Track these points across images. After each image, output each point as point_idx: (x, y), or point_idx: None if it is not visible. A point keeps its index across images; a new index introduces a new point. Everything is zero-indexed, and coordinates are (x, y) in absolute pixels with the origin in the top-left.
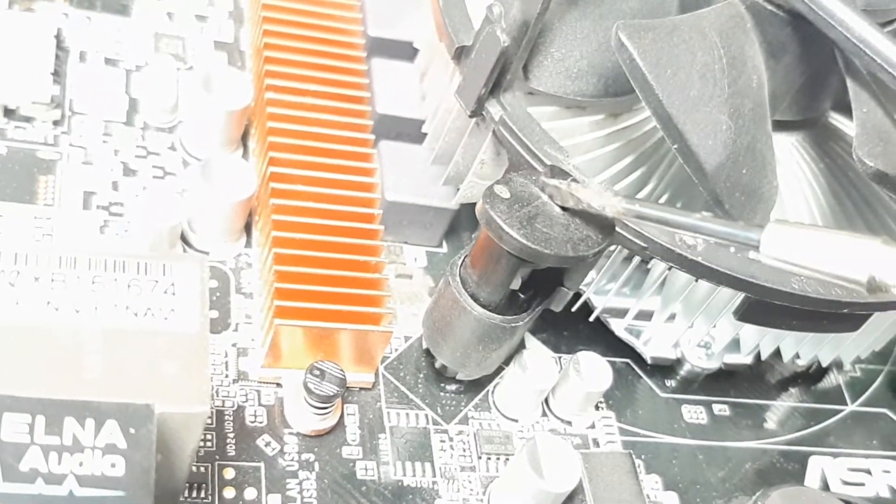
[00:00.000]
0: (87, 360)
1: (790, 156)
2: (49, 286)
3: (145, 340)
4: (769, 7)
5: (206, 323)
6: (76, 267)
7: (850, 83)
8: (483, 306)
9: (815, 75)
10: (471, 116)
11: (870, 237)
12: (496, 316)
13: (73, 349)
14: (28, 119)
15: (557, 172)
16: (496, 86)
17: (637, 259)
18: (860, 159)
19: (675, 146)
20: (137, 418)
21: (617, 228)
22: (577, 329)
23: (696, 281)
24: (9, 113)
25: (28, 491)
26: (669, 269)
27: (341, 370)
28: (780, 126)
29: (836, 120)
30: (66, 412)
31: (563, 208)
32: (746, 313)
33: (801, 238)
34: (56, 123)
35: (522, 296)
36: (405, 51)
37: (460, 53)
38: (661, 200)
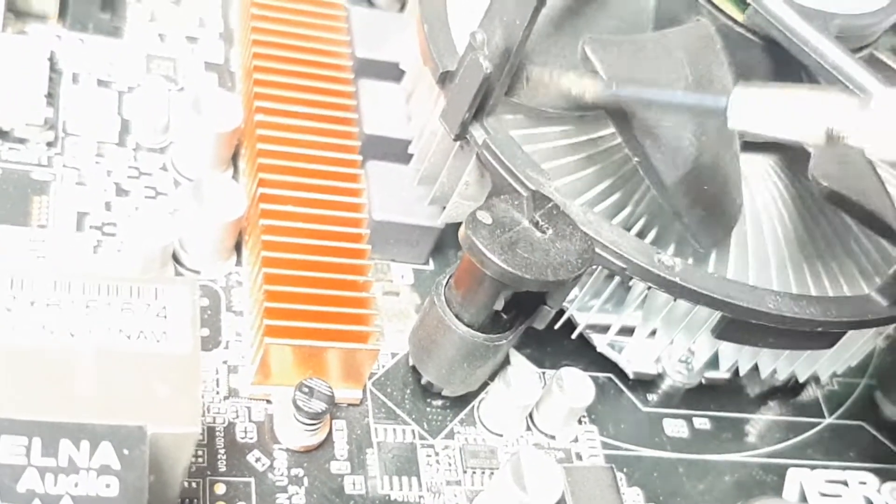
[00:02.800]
0: (80, 383)
1: (764, 177)
2: (44, 310)
3: (138, 362)
4: (739, 30)
5: (197, 345)
6: (70, 291)
7: None
8: (467, 325)
9: None
10: (455, 140)
11: (828, 88)
12: (480, 335)
13: (68, 372)
14: (22, 140)
15: (539, 197)
16: (479, 110)
17: (617, 279)
18: (815, 179)
19: (637, 160)
20: (131, 440)
21: (597, 250)
22: (561, 345)
23: (675, 300)
24: (2, 134)
25: None
26: (649, 288)
27: (329, 387)
28: (752, 147)
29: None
30: (61, 434)
31: (543, 233)
32: (724, 332)
33: (765, 98)
34: (50, 145)
35: (505, 315)
36: (392, 72)
37: (445, 78)
38: (639, 224)
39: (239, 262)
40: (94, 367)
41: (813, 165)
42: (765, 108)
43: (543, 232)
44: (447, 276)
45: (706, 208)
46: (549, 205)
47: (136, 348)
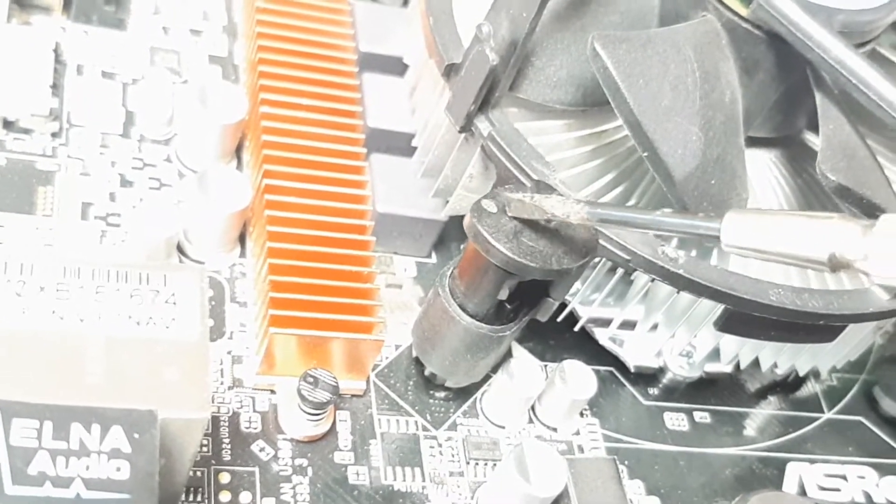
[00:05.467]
0: (90, 367)
1: (765, 172)
2: (54, 296)
3: (147, 348)
4: (745, 25)
5: (205, 331)
6: (80, 277)
7: (819, 99)
8: (471, 316)
9: (789, 93)
10: (460, 132)
11: (827, 215)
12: (484, 326)
13: (78, 356)
14: (27, 131)
15: (543, 187)
16: (484, 102)
17: (621, 270)
18: (823, 174)
19: (646, 154)
20: (141, 424)
21: (601, 241)
22: (563, 338)
23: (678, 292)
24: (8, 125)
25: (37, 494)
26: (652, 280)
27: (334, 378)
28: (755, 142)
29: (811, 138)
30: (72, 418)
31: (548, 221)
32: (726, 324)
33: (761, 223)
34: (54, 135)
35: (509, 306)
36: (395, 65)
37: (450, 70)
38: None
39: (243, 254)
40: (103, 353)
41: (821, 159)
42: (762, 232)
43: (548, 221)
44: (451, 267)
45: (713, 202)
46: (554, 194)
47: (145, 334)
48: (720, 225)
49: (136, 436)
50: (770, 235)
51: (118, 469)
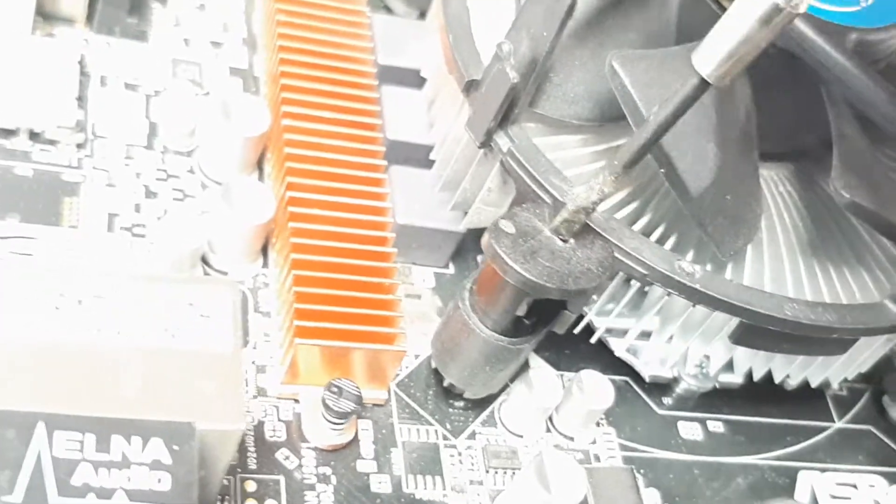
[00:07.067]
0: (127, 380)
1: (778, 187)
2: (92, 309)
3: (182, 361)
4: None
5: (239, 344)
6: (116, 290)
7: (832, 116)
8: (490, 329)
9: (802, 110)
10: (480, 147)
11: None
12: (503, 338)
13: (115, 369)
14: (52, 142)
15: (561, 206)
16: (504, 119)
17: (636, 286)
18: (837, 190)
19: (663, 170)
20: (181, 435)
21: (618, 256)
22: (578, 348)
23: (694, 306)
24: (34, 136)
25: None
26: (668, 294)
27: (357, 387)
28: (768, 157)
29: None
30: (113, 430)
31: (565, 241)
32: (741, 337)
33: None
34: (80, 146)
35: (527, 321)
36: (413, 78)
37: (469, 87)
38: (658, 230)
39: (265, 264)
40: (140, 366)
41: (834, 176)
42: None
43: (565, 241)
44: (471, 282)
45: (728, 217)
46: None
47: (181, 347)
48: None
49: (176, 447)
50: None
51: (159, 480)
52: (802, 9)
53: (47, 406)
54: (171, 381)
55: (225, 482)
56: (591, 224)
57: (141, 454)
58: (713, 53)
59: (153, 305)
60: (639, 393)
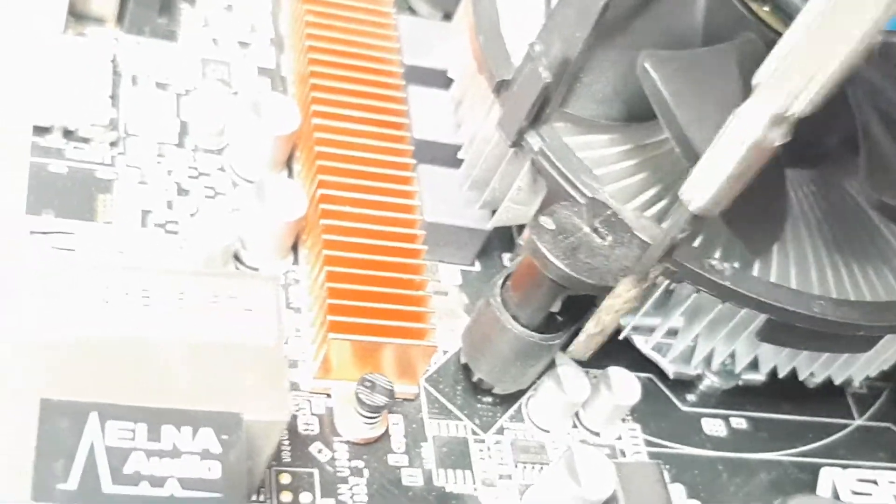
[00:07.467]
0: (175, 372)
1: (801, 188)
2: (139, 303)
3: (227, 353)
4: None
5: (281, 337)
6: (162, 284)
7: (858, 119)
8: (523, 326)
9: (826, 111)
10: (511, 147)
11: None
12: (535, 334)
13: (163, 362)
14: (86, 140)
15: (598, 205)
16: (536, 118)
17: (665, 284)
18: (866, 190)
19: (691, 166)
20: (229, 425)
21: None
22: (604, 345)
23: (723, 303)
24: (68, 134)
25: (133, 493)
26: (698, 292)
27: (390, 382)
28: (791, 160)
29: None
30: (164, 420)
31: (603, 239)
32: (768, 334)
33: None
34: (113, 145)
35: (560, 318)
36: (439, 78)
37: (500, 87)
38: None
39: (296, 261)
40: (187, 358)
41: (864, 176)
42: None
43: (603, 238)
44: (502, 278)
45: (754, 215)
46: (608, 212)
47: (225, 340)
48: None
49: (225, 437)
50: None
51: (209, 469)
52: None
53: (99, 397)
54: (217, 373)
55: None
56: (626, 222)
57: (191, 443)
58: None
59: (197, 300)
60: (663, 390)
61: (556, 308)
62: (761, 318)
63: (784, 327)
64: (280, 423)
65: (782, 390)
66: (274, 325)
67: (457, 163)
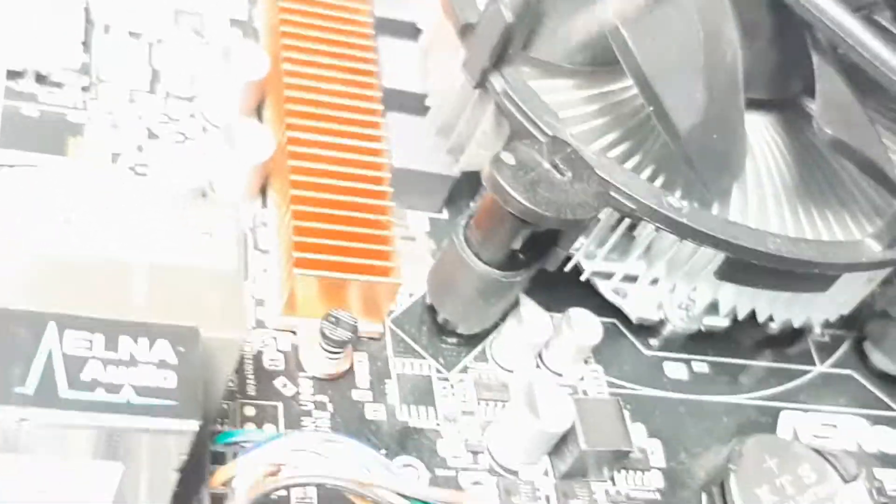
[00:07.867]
0: (135, 290)
1: (763, 133)
2: (100, 222)
3: (187, 275)
4: None
5: (241, 261)
6: (126, 207)
7: (815, 60)
8: (485, 263)
9: (788, 56)
10: (475, 88)
11: None
12: (497, 272)
13: (123, 279)
14: (58, 84)
15: (559, 143)
16: (499, 60)
17: (624, 225)
18: (820, 128)
19: (652, 108)
20: (186, 339)
21: (610, 192)
22: (567, 291)
23: (680, 241)
24: (40, 79)
25: (89, 398)
26: (657, 230)
27: (354, 318)
28: (752, 104)
29: (807, 102)
30: (121, 331)
31: (562, 175)
32: (726, 273)
33: None
34: (84, 90)
35: (521, 256)
36: (408, 30)
37: (466, 30)
38: (646, 172)
39: (265, 205)
40: (147, 277)
41: (818, 114)
42: None
43: (562, 174)
44: (465, 218)
45: (715, 157)
46: (568, 149)
47: (185, 262)
48: None
49: (182, 349)
50: None
51: (165, 378)
52: None
53: (58, 308)
54: (177, 292)
55: (225, 406)
56: (586, 160)
57: (148, 354)
58: None
59: (159, 222)
60: (626, 334)
61: (517, 246)
62: (719, 257)
63: (742, 266)
64: (237, 341)
65: (744, 337)
66: (233, 250)
67: (425, 112)
